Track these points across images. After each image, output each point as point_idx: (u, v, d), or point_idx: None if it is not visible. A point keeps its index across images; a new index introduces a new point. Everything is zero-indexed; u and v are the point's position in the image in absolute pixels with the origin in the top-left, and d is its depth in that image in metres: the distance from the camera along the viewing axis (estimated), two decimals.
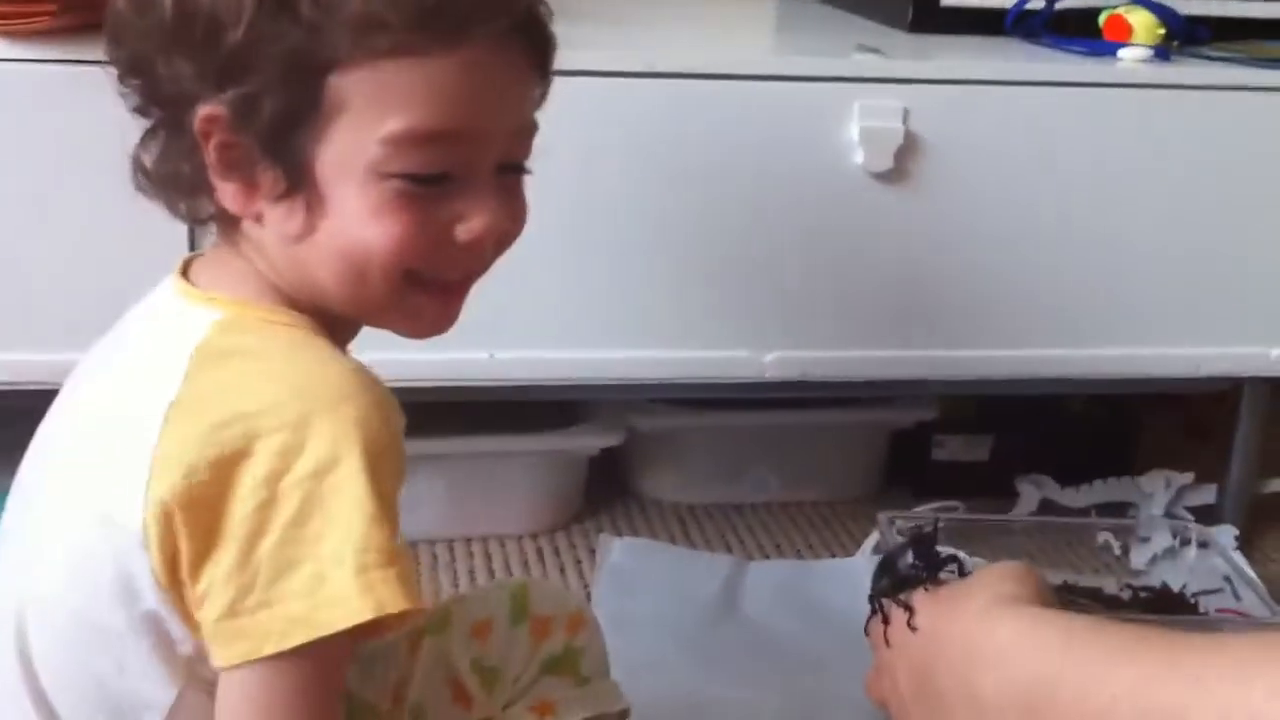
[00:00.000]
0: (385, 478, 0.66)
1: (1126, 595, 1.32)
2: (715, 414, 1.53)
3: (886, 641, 0.81)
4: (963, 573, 0.84)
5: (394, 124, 0.67)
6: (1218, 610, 1.24)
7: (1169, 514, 1.50)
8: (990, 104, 1.30)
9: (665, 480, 1.56)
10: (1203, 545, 1.31)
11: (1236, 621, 1.20)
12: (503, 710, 0.89)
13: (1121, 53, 1.37)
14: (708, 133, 1.25)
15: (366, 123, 0.67)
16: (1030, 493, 1.55)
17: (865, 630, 0.85)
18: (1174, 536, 1.35)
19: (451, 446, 1.40)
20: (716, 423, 1.54)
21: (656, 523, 1.52)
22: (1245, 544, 1.48)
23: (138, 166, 0.72)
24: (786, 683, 1.22)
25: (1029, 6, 1.43)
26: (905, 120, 1.27)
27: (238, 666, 0.66)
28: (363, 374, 0.69)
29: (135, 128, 0.72)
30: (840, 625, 1.24)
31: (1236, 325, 1.40)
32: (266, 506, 0.65)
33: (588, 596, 1.33)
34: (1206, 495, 1.52)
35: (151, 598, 0.67)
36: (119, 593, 0.68)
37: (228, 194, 0.70)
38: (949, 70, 1.31)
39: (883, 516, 1.22)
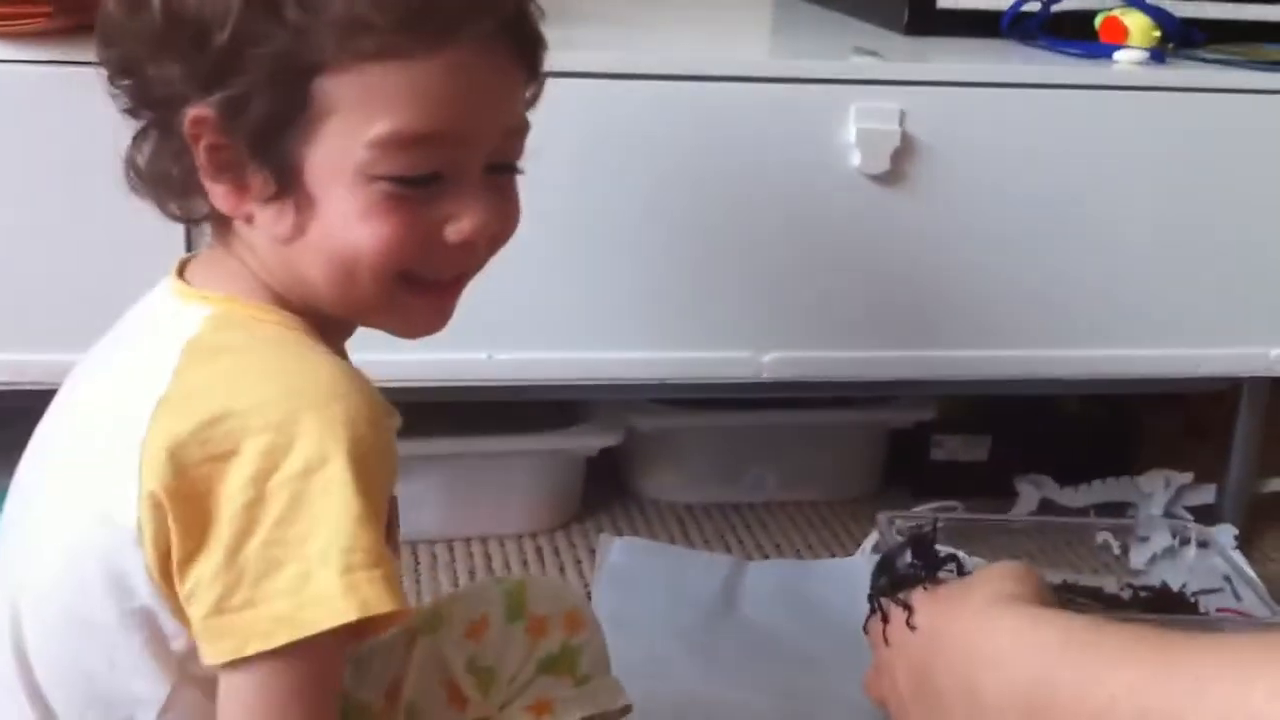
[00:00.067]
0: (373, 478, 0.66)
1: (1126, 595, 1.32)
2: (714, 414, 1.53)
3: (885, 640, 0.81)
4: (962, 572, 0.84)
5: (380, 126, 0.67)
6: (1218, 610, 1.24)
7: (1168, 514, 1.50)
8: (986, 106, 1.30)
9: (664, 480, 1.56)
10: (1202, 545, 1.31)
11: (1237, 621, 1.20)
12: (499, 710, 0.89)
13: (1117, 55, 1.37)
14: (705, 134, 1.25)
15: (353, 125, 0.68)
16: (1030, 492, 1.55)
17: (864, 629, 0.85)
18: (1173, 536, 1.35)
19: (451, 447, 1.40)
20: (715, 423, 1.54)
21: (656, 523, 1.52)
22: (1245, 543, 1.48)
23: (130, 167, 0.73)
24: (785, 682, 1.22)
25: (1025, 9, 1.44)
26: (902, 122, 1.27)
27: (232, 669, 0.66)
28: (352, 374, 0.69)
29: (132, 128, 0.73)
30: (839, 625, 1.24)
31: (1235, 325, 1.40)
32: (254, 505, 0.65)
33: (587, 596, 1.33)
34: (1206, 495, 1.52)
35: (145, 593, 0.68)
36: (111, 588, 0.68)
37: (218, 195, 0.70)
38: (945, 72, 1.31)
39: (882, 516, 1.22)
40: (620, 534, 1.46)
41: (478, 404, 1.34)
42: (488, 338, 1.24)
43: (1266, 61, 1.37)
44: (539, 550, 1.45)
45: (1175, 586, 1.31)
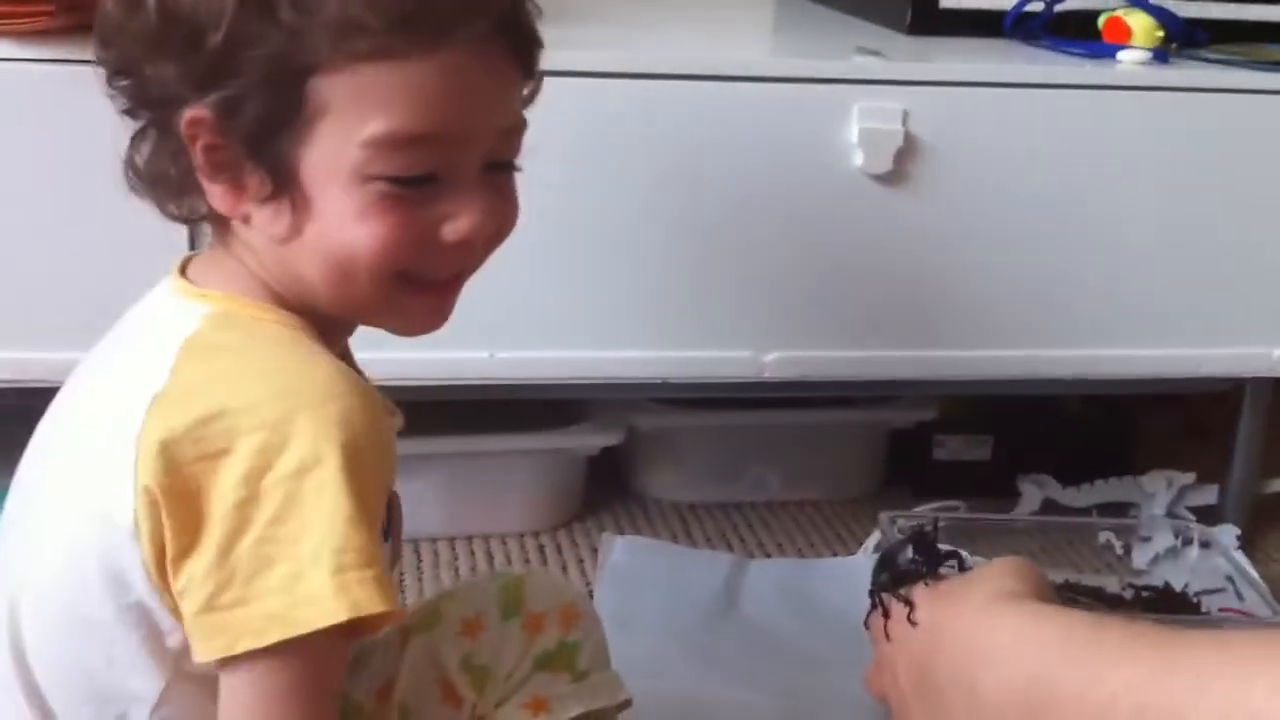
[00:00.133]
0: (367, 479, 0.66)
1: (1129, 595, 1.32)
2: (715, 413, 1.53)
3: (887, 636, 0.81)
4: (963, 568, 0.84)
5: (375, 127, 0.67)
6: (1220, 610, 1.24)
7: (1171, 514, 1.50)
8: (989, 106, 1.30)
9: (666, 479, 1.56)
10: (1204, 545, 1.31)
11: (1239, 621, 1.20)
12: (495, 708, 0.89)
13: (1120, 55, 1.37)
14: (708, 134, 1.25)
15: (348, 126, 0.68)
16: (1032, 492, 1.55)
17: (865, 624, 0.85)
18: (1176, 536, 1.35)
19: (452, 445, 1.40)
20: (716, 422, 1.54)
21: (657, 521, 1.52)
22: (1247, 544, 1.48)
23: (129, 167, 0.73)
24: (787, 681, 1.22)
25: (1028, 8, 1.44)
26: (904, 122, 1.27)
27: (230, 670, 0.66)
28: (348, 374, 0.69)
29: (132, 128, 0.73)
30: (841, 624, 1.23)
31: (1237, 325, 1.39)
32: (247, 504, 0.65)
33: (589, 595, 1.32)
34: (1208, 495, 1.51)
35: (141, 589, 0.68)
36: (109, 585, 0.68)
37: (215, 195, 0.70)
38: (948, 72, 1.31)
39: (884, 516, 1.22)
40: (621, 533, 1.46)
41: (479, 403, 1.34)
42: (489, 336, 1.24)
43: (1269, 62, 1.37)
44: (540, 549, 1.45)
45: (1178, 587, 1.31)
